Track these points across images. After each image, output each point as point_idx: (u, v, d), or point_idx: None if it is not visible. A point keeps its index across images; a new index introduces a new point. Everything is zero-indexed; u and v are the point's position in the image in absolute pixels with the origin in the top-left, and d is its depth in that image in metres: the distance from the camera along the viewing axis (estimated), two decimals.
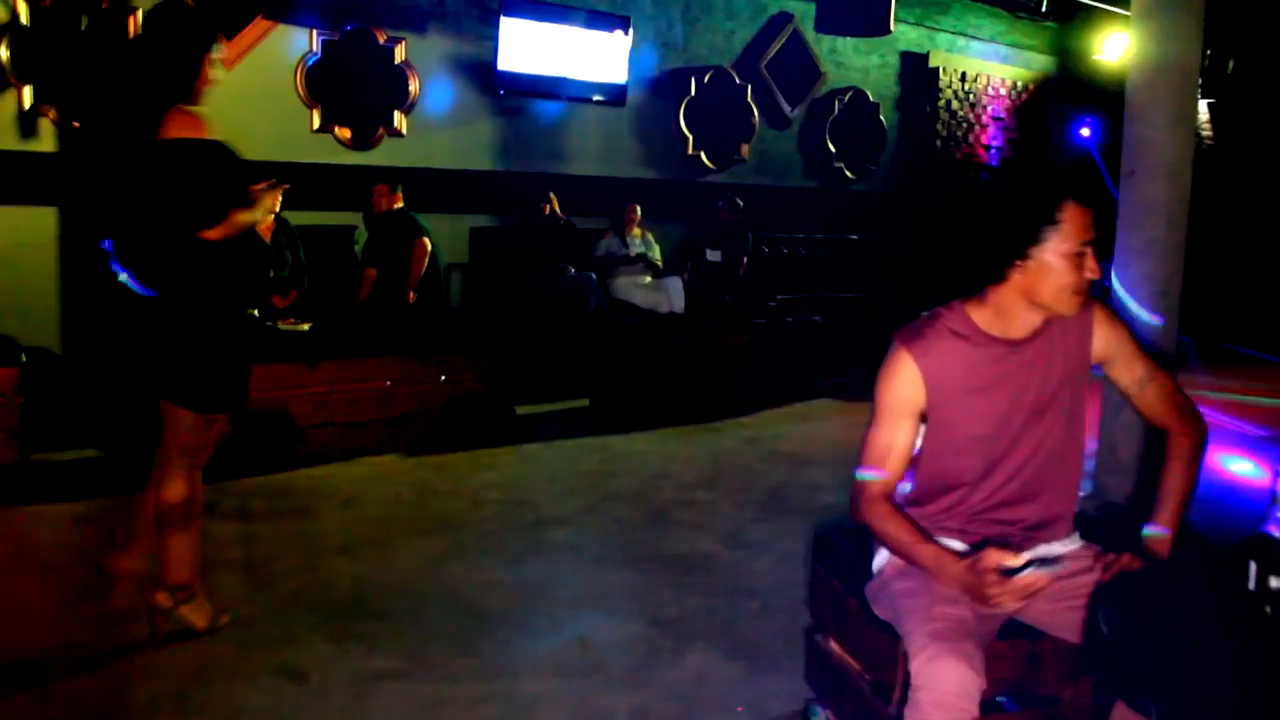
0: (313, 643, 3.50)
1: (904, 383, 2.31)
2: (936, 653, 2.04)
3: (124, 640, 3.45)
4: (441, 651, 3.47)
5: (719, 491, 5.42)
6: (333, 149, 7.62)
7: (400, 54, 7.88)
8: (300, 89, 7.44)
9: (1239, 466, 6.32)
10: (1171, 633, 1.82)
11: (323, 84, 7.52)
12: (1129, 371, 2.42)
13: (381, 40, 7.77)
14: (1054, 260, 2.19)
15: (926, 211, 2.30)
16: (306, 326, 6.27)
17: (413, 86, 7.96)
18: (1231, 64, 12.68)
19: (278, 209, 6.45)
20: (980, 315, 2.31)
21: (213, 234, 3.21)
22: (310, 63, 7.45)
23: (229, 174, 3.25)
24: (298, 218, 6.95)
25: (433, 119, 8.13)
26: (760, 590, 4.02)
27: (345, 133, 7.66)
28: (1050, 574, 2.05)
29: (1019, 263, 2.22)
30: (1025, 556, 2.05)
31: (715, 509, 5.10)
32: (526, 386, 7.06)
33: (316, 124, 7.54)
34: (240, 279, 3.39)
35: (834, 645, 2.65)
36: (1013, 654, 2.32)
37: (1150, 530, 2.36)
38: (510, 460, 5.92)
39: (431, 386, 6.30)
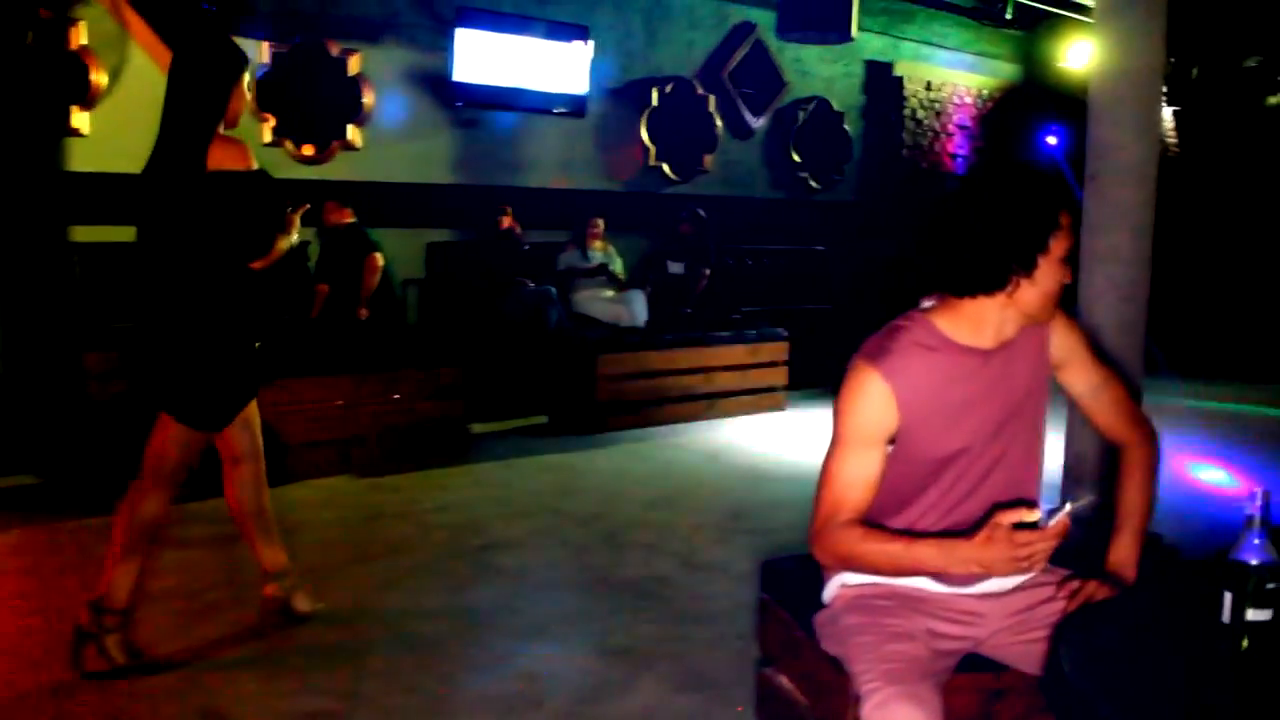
0: (239, 681, 3.31)
1: (874, 406, 2.06)
2: (890, 696, 1.87)
3: (45, 678, 3.25)
4: (376, 688, 3.28)
5: (676, 510, 5.25)
6: (285, 162, 7.43)
7: (353, 66, 7.71)
8: (251, 102, 7.25)
9: (1210, 475, 6.22)
10: (1137, 674, 1.66)
11: (274, 96, 7.33)
12: (1083, 377, 2.27)
13: (334, 52, 7.60)
14: (1050, 268, 2.04)
15: (933, 213, 2.19)
16: (256, 344, 6.06)
17: (367, 99, 7.78)
18: (1196, 71, 12.69)
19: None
20: (948, 324, 2.10)
21: (260, 264, 3.34)
22: (260, 75, 7.26)
23: (274, 204, 3.37)
24: None
25: (388, 132, 7.95)
26: (715, 616, 3.85)
27: (297, 146, 7.47)
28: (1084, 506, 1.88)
29: (1024, 271, 2.04)
30: (1037, 512, 1.86)
31: (672, 529, 4.94)
32: (484, 404, 6.89)
33: (268, 137, 7.35)
34: (274, 301, 3.60)
35: (784, 679, 2.48)
36: (972, 688, 2.16)
37: (1113, 553, 2.21)
38: (464, 481, 5.74)
39: (384, 406, 6.12)
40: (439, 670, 3.43)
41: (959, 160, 11.74)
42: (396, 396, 6.23)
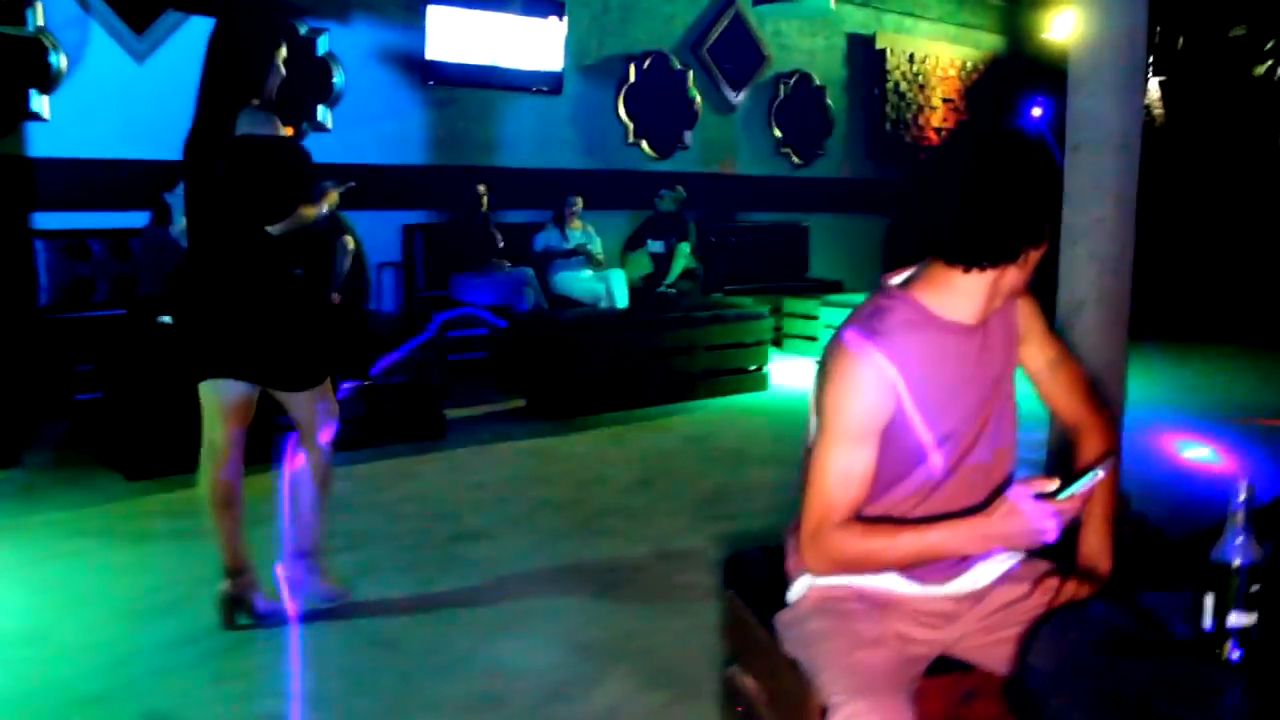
0: (189, 682, 3.19)
1: (870, 394, 1.88)
2: (860, 711, 1.76)
3: None
4: (335, 688, 3.17)
5: (654, 495, 5.13)
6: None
7: (323, 45, 7.55)
8: None
9: (1195, 453, 6.12)
10: (1107, 683, 1.55)
11: None
12: (1041, 352, 2.14)
13: (302, 31, 7.44)
14: (1040, 246, 1.93)
15: (938, 180, 2.08)
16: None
17: (337, 78, 7.63)
18: (1181, 41, 12.56)
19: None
20: (934, 301, 1.94)
21: (276, 228, 3.33)
22: None
23: (295, 170, 3.39)
24: None
25: (359, 112, 7.81)
26: (689, 607, 3.72)
27: None
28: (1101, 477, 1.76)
29: (1034, 245, 1.91)
30: (1055, 482, 1.75)
31: (649, 515, 4.82)
32: (459, 388, 6.77)
33: None
34: (302, 267, 3.59)
35: (748, 680, 2.37)
36: (943, 690, 2.05)
37: (1084, 545, 2.09)
38: (436, 467, 5.60)
39: (356, 390, 5.98)
40: (401, 668, 3.30)
41: (943, 134, 11.60)
42: (367, 381, 6.11)
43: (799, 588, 2.13)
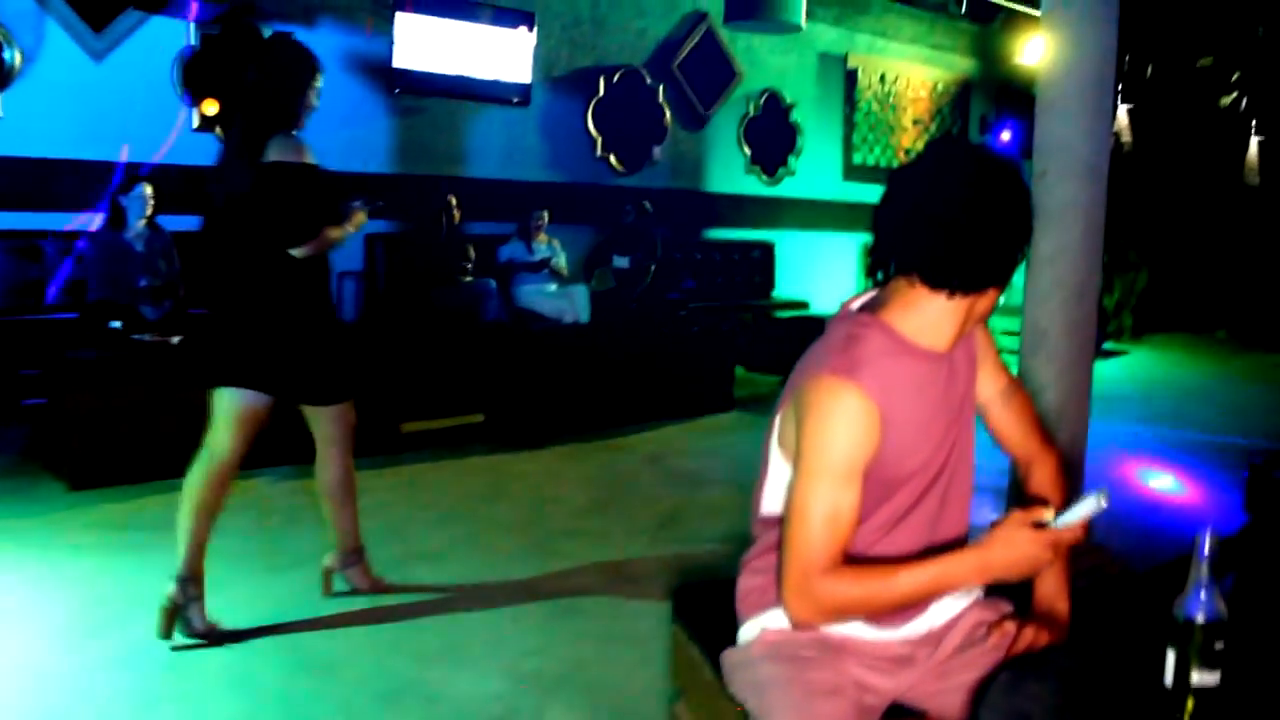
0: (116, 708, 3.06)
1: (859, 430, 1.76)
2: None
3: None
4: (270, 717, 3.05)
5: (610, 517, 5.03)
6: (215, 149, 7.12)
7: None
8: (177, 85, 6.96)
9: (1157, 481, 6.09)
10: None
11: (202, 80, 7.04)
12: (993, 381, 2.06)
13: (265, 34, 7.30)
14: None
15: (932, 202, 2.02)
16: (177, 340, 5.81)
17: None
18: (1150, 69, 12.64)
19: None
20: (908, 326, 1.85)
21: (301, 251, 3.45)
22: (188, 57, 6.98)
23: (321, 194, 3.48)
24: (176, 223, 6.48)
25: (324, 118, 7.59)
26: (639, 636, 3.63)
27: (226, 132, 7.18)
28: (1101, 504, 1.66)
29: (1017, 267, 1.83)
30: (1048, 512, 1.70)
31: (605, 537, 4.72)
32: (417, 402, 6.64)
33: (196, 123, 7.06)
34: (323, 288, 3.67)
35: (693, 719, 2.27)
36: None
37: (1041, 587, 2.00)
38: (390, 483, 5.48)
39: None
40: (339, 696, 3.19)
41: (913, 155, 11.59)
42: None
43: (751, 629, 2.02)
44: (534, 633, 3.69)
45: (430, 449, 6.17)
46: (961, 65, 12.23)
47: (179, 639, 3.49)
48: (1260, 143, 15.10)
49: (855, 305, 1.96)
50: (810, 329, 8.83)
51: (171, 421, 5.37)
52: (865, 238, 10.68)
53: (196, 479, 3.58)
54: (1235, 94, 14.32)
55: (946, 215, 1.75)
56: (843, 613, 1.81)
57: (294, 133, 3.46)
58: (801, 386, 1.83)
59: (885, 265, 1.86)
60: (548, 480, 5.67)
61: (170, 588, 3.50)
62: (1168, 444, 6.90)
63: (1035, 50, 11.16)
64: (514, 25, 8.33)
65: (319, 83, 3.57)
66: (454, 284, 7.57)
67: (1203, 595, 1.46)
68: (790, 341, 8.75)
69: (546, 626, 3.74)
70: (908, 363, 1.84)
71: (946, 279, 1.79)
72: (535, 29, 8.41)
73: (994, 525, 1.73)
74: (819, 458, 1.77)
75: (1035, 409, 2.18)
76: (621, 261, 8.62)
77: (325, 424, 3.77)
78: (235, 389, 3.53)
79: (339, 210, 3.66)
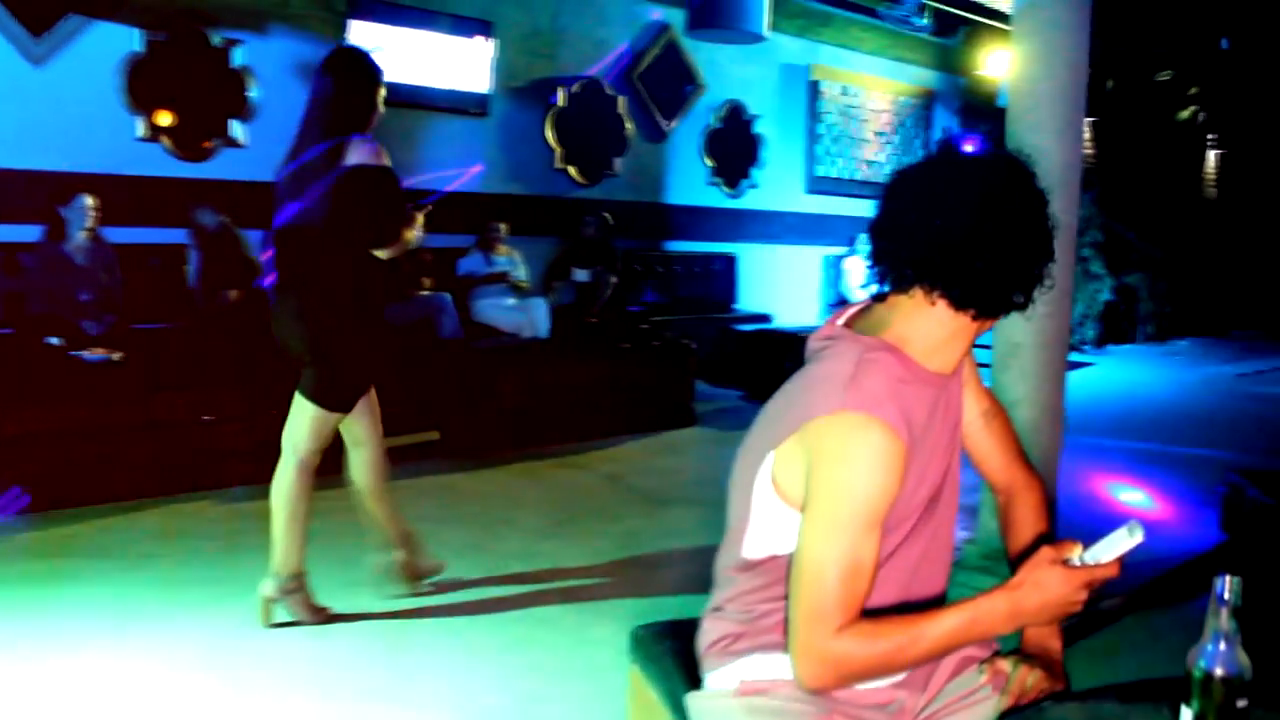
0: None
1: (890, 472, 1.57)
2: None
3: None
4: None
5: (568, 540, 4.85)
6: (160, 160, 6.91)
7: (237, 57, 7.21)
8: (122, 93, 6.72)
9: (1128, 496, 5.98)
10: None
11: (149, 88, 6.81)
12: (976, 402, 1.91)
13: (215, 41, 7.09)
14: None
15: (975, 218, 1.91)
16: (119, 356, 5.59)
17: (252, 93, 7.28)
18: (1111, 83, 12.65)
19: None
20: (915, 349, 1.68)
21: (385, 252, 3.63)
22: (133, 64, 6.74)
23: (401, 197, 3.63)
24: (121, 235, 6.26)
25: (276, 128, 7.42)
26: (596, 669, 3.45)
27: (175, 142, 6.95)
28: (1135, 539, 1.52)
29: None
30: (1076, 548, 1.56)
31: (560, 562, 4.54)
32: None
33: (142, 132, 6.82)
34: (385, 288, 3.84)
35: None
36: None
37: (1029, 629, 1.84)
38: (337, 505, 5.23)
39: (256, 421, 5.65)
40: None
41: (876, 168, 11.51)
42: (273, 412, 5.77)
43: (723, 676, 1.82)
44: (486, 665, 3.50)
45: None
46: (924, 78, 12.17)
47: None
48: (1219, 156, 15.20)
49: (841, 322, 1.79)
50: (773, 343, 8.73)
51: (108, 440, 5.18)
52: (828, 251, 10.65)
53: (290, 487, 3.73)
54: (1194, 108, 14.40)
55: (993, 232, 1.58)
56: (864, 675, 1.62)
57: (370, 137, 3.60)
58: (812, 423, 1.61)
59: (899, 279, 1.66)
60: (503, 501, 5.49)
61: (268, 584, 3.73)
62: (1138, 457, 6.80)
63: (998, 63, 11.17)
64: (471, 34, 8.17)
65: (384, 90, 3.75)
66: (410, 298, 7.37)
67: (1223, 646, 1.30)
68: (752, 356, 8.63)
69: (499, 658, 3.55)
70: (920, 390, 1.67)
71: (979, 299, 1.63)
72: (494, 38, 8.25)
73: (1021, 566, 1.57)
74: (841, 506, 1.57)
75: (1015, 433, 2.03)
76: (581, 274, 8.46)
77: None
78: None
79: (411, 213, 3.75)
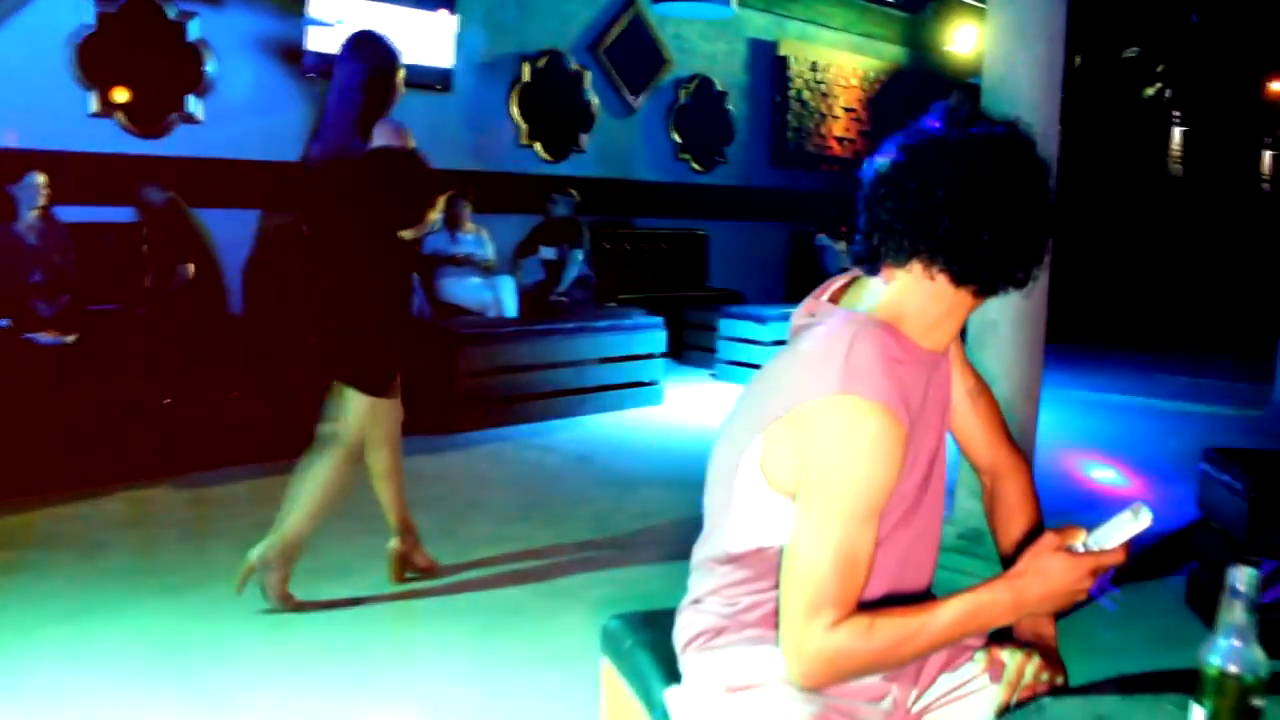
0: None
1: (891, 457, 1.49)
2: None
3: None
4: None
5: (535, 524, 4.74)
6: (115, 136, 6.72)
7: (193, 30, 7.02)
8: (73, 67, 6.52)
9: (1100, 474, 5.96)
10: None
11: (101, 62, 6.61)
12: (961, 380, 1.82)
13: (170, 14, 6.90)
14: None
15: (1000, 189, 1.84)
16: (72, 338, 5.44)
17: (209, 67, 7.10)
18: (1079, 60, 12.61)
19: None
20: (911, 327, 1.59)
21: (411, 232, 3.66)
22: (84, 38, 6.54)
23: (426, 178, 3.69)
24: (74, 214, 6.08)
25: (234, 104, 7.27)
26: (565, 656, 3.35)
27: (129, 118, 6.76)
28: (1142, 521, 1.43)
29: None
30: (1080, 534, 1.48)
31: (528, 547, 4.43)
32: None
33: (95, 107, 6.63)
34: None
35: None
36: None
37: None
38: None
39: (215, 404, 5.52)
40: None
41: (845, 144, 11.43)
42: (235, 394, 5.64)
43: (704, 671, 1.72)
44: (451, 657, 3.39)
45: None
46: (892, 53, 12.09)
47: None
48: (1184, 133, 15.22)
49: (826, 297, 1.69)
50: (746, 321, 8.64)
51: (61, 425, 5.03)
52: (798, 227, 10.57)
53: (322, 468, 3.74)
54: (1160, 85, 14.40)
55: (1001, 203, 1.50)
56: (861, 671, 1.54)
57: (393, 119, 3.65)
58: (804, 406, 1.52)
59: (897, 251, 1.56)
60: (468, 484, 5.37)
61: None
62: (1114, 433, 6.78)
63: (966, 38, 11.10)
64: (434, 7, 8.00)
65: (403, 71, 3.79)
66: None
67: (1237, 642, 1.22)
68: (723, 333, 8.55)
69: (465, 649, 3.45)
70: (915, 371, 1.58)
71: (983, 275, 1.55)
72: (457, 12, 8.08)
73: (1023, 553, 1.49)
74: (839, 495, 1.49)
75: (1001, 414, 1.94)
76: (549, 252, 8.35)
77: (345, 408, 3.78)
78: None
79: (434, 195, 3.79)
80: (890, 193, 1.55)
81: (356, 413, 3.73)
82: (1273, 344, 7.20)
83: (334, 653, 3.41)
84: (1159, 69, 14.22)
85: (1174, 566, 4.18)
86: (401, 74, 3.78)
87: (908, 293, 1.59)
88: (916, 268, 1.56)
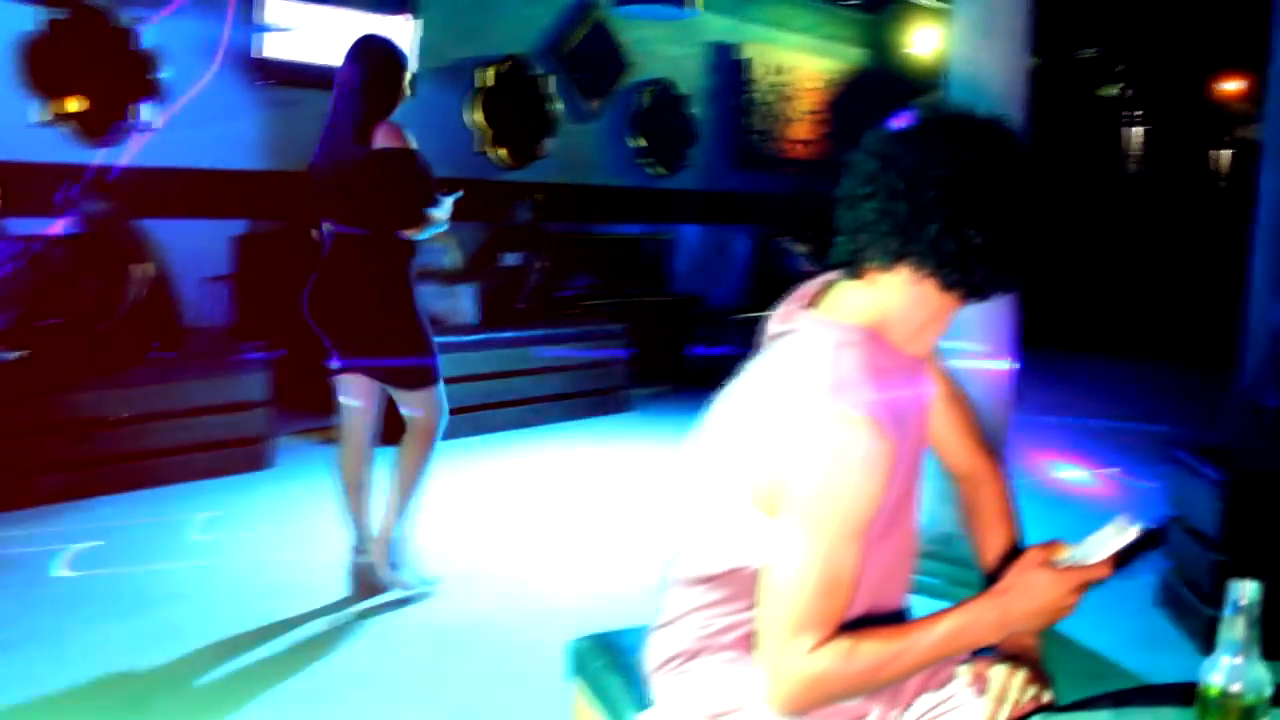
0: None
1: (881, 474, 1.42)
2: None
3: None
4: None
5: (498, 535, 4.66)
6: (63, 146, 6.57)
7: (144, 36, 6.88)
8: (18, 75, 6.36)
9: (1068, 474, 5.94)
10: None
11: (47, 69, 6.46)
12: (939, 385, 1.76)
13: (120, 20, 6.75)
14: None
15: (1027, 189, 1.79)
16: (21, 353, 5.30)
17: (161, 74, 6.96)
18: (1038, 61, 12.66)
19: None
20: (896, 333, 1.53)
21: (410, 232, 3.73)
22: (29, 44, 6.38)
23: (423, 178, 3.73)
24: (20, 226, 5.92)
25: (187, 111, 7.12)
26: (535, 673, 3.25)
27: (79, 126, 6.60)
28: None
29: None
30: (1067, 548, 1.43)
31: (494, 558, 4.34)
32: (293, 412, 6.18)
33: (41, 115, 6.47)
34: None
35: None
36: None
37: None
38: (257, 505, 5.02)
39: (168, 419, 5.39)
40: None
41: (808, 146, 11.40)
42: (186, 408, 5.51)
43: (680, 695, 1.64)
44: (413, 676, 3.31)
45: (308, 462, 5.72)
46: (854, 56, 12.07)
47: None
48: (1144, 133, 15.32)
49: (803, 302, 1.61)
50: (709, 326, 8.58)
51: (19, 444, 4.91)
52: (761, 231, 10.51)
53: (340, 459, 3.92)
54: (1120, 85, 14.49)
55: (998, 203, 1.43)
56: (843, 694, 1.46)
57: (395, 120, 3.71)
58: (788, 420, 1.45)
59: (881, 254, 1.48)
60: (431, 495, 5.25)
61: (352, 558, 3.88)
62: (1082, 433, 6.76)
63: (928, 39, 11.10)
64: (394, 12, 7.89)
65: (410, 75, 3.87)
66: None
67: (1238, 660, 1.15)
68: (686, 340, 8.49)
69: (428, 667, 3.35)
70: (900, 380, 1.50)
71: (975, 279, 1.47)
72: (418, 16, 7.98)
73: (1008, 569, 1.43)
74: (827, 512, 1.41)
75: (977, 419, 1.88)
76: (511, 259, 8.24)
77: (415, 408, 3.93)
78: (348, 373, 3.86)
79: (436, 196, 3.85)
80: (876, 191, 1.47)
81: (425, 405, 3.89)
82: (1233, 342, 7.22)
83: (285, 670, 3.31)
84: (1117, 69, 14.30)
85: (1142, 566, 4.15)
86: (407, 78, 3.84)
87: (893, 297, 1.51)
88: (904, 271, 1.49)
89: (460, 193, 4.16)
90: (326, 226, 3.84)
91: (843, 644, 1.41)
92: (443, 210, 3.87)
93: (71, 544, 4.42)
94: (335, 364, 3.89)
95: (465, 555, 4.36)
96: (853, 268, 1.53)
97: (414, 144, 3.72)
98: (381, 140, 3.64)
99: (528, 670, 3.31)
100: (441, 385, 3.97)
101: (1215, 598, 3.56)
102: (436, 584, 4.00)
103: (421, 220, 3.73)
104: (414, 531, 4.02)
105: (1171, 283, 12.78)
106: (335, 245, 3.79)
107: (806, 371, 1.46)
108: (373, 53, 3.79)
